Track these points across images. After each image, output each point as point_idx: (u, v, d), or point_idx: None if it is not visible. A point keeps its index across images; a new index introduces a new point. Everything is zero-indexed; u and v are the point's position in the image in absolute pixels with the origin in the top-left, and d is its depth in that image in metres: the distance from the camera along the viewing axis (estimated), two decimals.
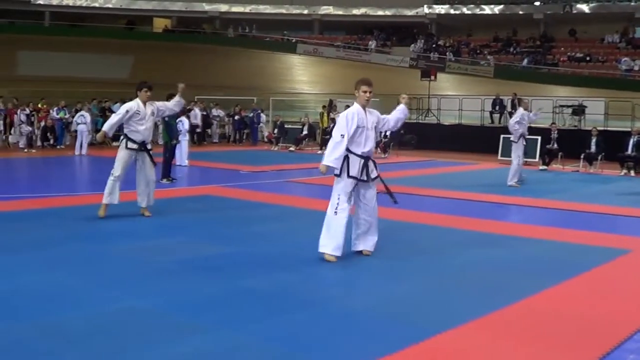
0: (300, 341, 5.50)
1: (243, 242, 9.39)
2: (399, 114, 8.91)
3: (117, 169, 10.96)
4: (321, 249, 8.29)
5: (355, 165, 8.31)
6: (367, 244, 8.60)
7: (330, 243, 8.23)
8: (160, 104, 11.60)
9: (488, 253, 9.00)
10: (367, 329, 5.86)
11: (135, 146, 11.07)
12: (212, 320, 5.97)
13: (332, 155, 8.22)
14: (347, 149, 8.30)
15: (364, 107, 8.48)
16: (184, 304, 6.45)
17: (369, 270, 7.95)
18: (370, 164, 8.47)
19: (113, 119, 11.30)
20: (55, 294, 6.68)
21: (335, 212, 8.23)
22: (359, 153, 8.36)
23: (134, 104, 11.17)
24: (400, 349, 5.27)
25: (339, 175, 8.32)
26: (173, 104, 11.74)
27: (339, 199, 8.28)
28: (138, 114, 11.11)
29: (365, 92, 8.41)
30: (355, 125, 8.29)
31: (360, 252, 8.60)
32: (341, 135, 8.21)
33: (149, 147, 11.31)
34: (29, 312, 6.11)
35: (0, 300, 6.46)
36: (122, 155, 11.09)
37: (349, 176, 8.28)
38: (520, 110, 17.46)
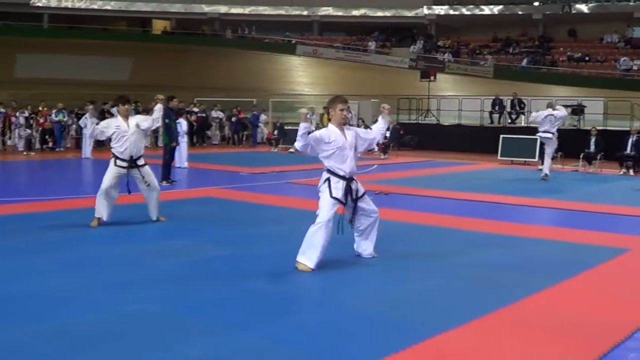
0: (307, 342, 5.55)
1: (246, 244, 9.42)
2: (382, 124, 8.60)
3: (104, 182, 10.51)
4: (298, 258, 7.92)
5: (339, 187, 7.99)
6: (366, 249, 8.48)
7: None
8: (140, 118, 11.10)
9: (489, 253, 9.05)
10: (372, 329, 5.91)
11: (124, 164, 10.58)
12: (219, 322, 6.01)
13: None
14: (329, 170, 8.05)
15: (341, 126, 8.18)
16: (190, 306, 6.48)
17: (373, 272, 7.98)
18: (354, 184, 8.11)
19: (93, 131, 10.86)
20: (60, 297, 6.69)
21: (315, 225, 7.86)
22: (341, 174, 8.03)
23: (112, 121, 10.71)
24: (404, 348, 5.32)
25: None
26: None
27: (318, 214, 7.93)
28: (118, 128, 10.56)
29: (342, 110, 8.11)
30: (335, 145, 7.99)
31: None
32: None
33: (140, 162, 10.72)
34: (34, 315, 6.12)
35: (3, 304, 6.47)
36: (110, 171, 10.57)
37: (331, 197, 7.95)
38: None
